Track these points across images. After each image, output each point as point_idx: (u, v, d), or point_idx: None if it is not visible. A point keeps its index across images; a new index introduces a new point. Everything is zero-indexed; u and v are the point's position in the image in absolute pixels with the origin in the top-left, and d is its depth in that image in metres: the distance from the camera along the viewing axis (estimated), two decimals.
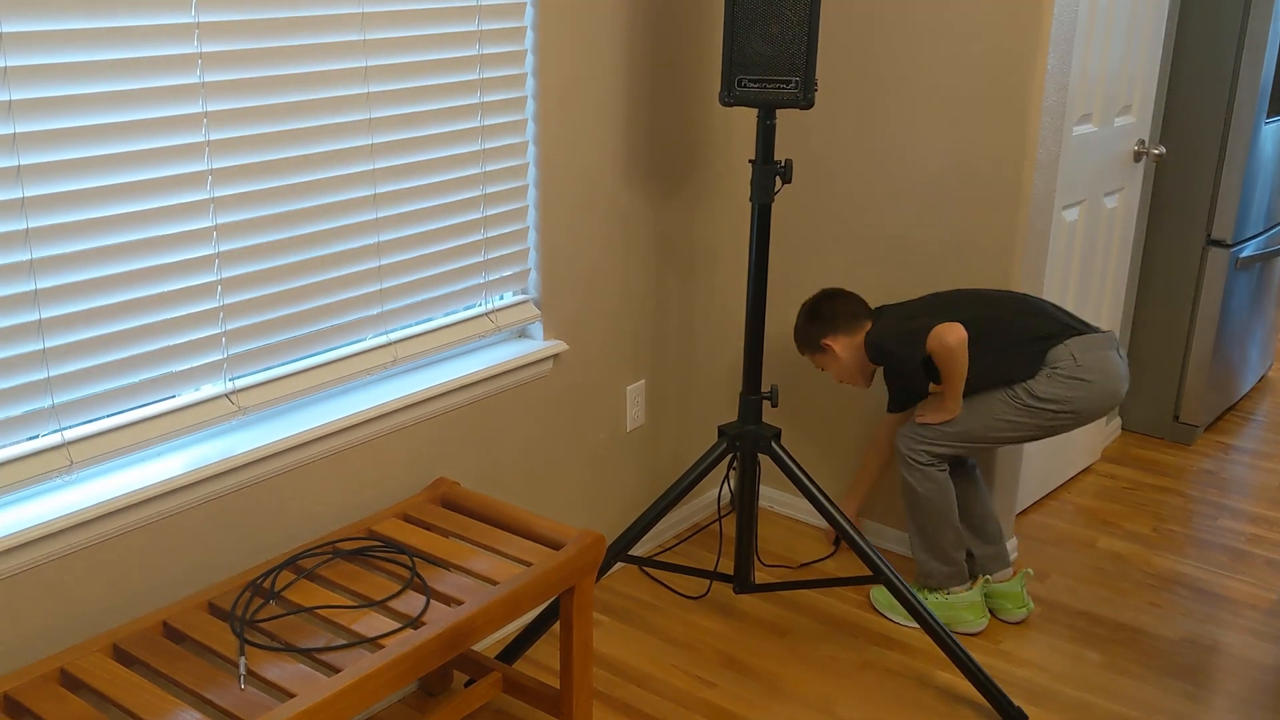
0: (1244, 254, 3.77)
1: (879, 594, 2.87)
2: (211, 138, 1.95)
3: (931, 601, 2.77)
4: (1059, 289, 3.18)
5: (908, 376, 2.75)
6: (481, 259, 2.51)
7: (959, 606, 2.74)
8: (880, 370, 2.82)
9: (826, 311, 2.74)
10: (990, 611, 2.83)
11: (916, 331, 2.57)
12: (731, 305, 3.22)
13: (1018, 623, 2.81)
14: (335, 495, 2.29)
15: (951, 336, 2.52)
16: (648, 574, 3.00)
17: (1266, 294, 4.17)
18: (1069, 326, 2.62)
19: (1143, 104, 3.34)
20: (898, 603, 2.75)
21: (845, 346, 2.72)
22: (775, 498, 3.36)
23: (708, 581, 2.95)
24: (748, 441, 2.61)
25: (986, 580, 2.80)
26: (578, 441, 2.84)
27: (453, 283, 2.46)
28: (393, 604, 1.98)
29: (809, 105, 2.30)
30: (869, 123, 2.91)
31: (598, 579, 2.76)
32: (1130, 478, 3.65)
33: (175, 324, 1.97)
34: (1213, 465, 3.76)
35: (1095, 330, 2.64)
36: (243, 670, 1.79)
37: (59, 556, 1.86)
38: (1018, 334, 2.60)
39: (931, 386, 2.75)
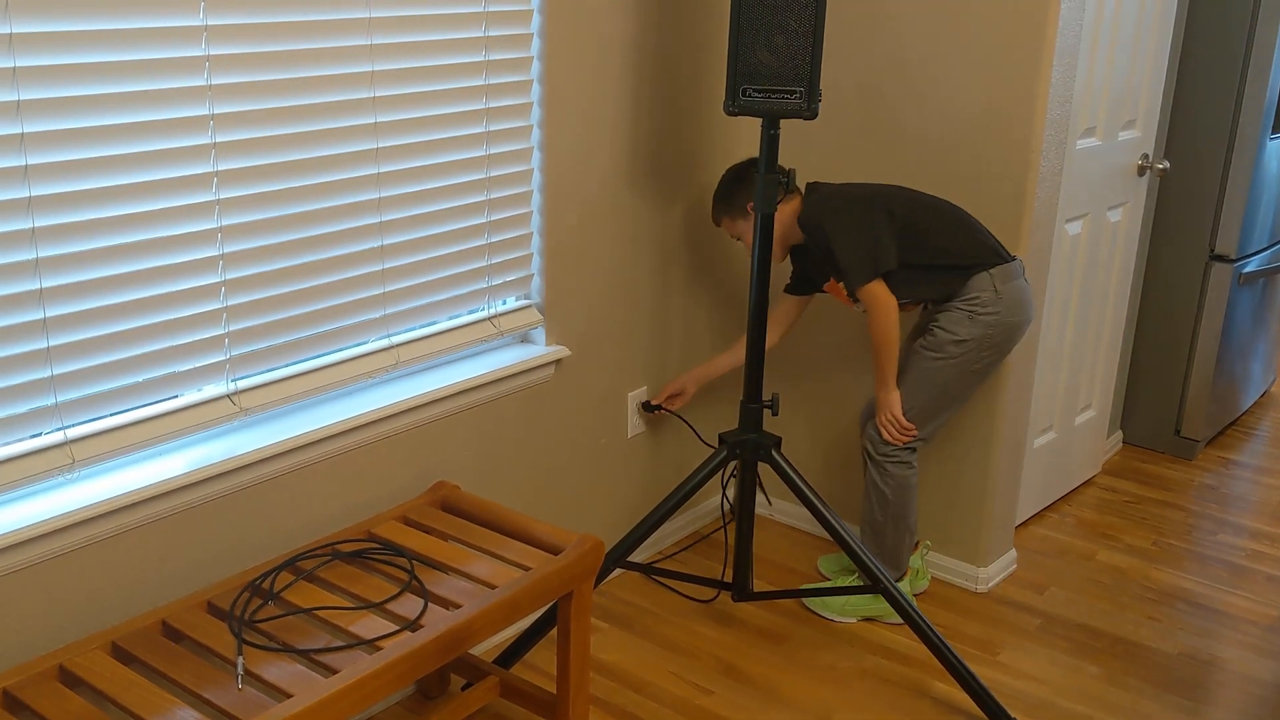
0: (1247, 269, 3.77)
1: (816, 602, 2.89)
2: (218, 140, 1.96)
3: (861, 601, 2.83)
4: (1061, 302, 3.18)
5: (819, 264, 2.71)
6: (485, 264, 2.52)
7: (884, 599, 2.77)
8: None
9: (753, 175, 2.63)
10: None
11: (879, 254, 2.55)
12: (734, 313, 3.22)
13: (916, 595, 2.92)
14: (335, 497, 2.29)
15: (891, 303, 2.55)
16: (656, 580, 3.00)
17: (1270, 309, 4.17)
18: (993, 251, 2.61)
19: (1147, 118, 3.35)
20: (831, 601, 2.85)
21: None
22: (774, 506, 3.36)
23: (711, 587, 2.96)
24: (748, 450, 2.62)
25: (927, 548, 2.92)
26: (578, 447, 2.84)
27: (456, 287, 2.47)
28: (391, 606, 1.99)
29: (813, 116, 2.31)
30: (871, 133, 2.92)
31: (596, 585, 2.76)
32: (1131, 491, 3.65)
33: (179, 324, 1.98)
34: (1214, 480, 3.76)
35: (1011, 257, 2.64)
36: (240, 670, 1.80)
37: (60, 554, 1.86)
38: (943, 253, 2.60)
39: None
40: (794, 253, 2.80)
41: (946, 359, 2.63)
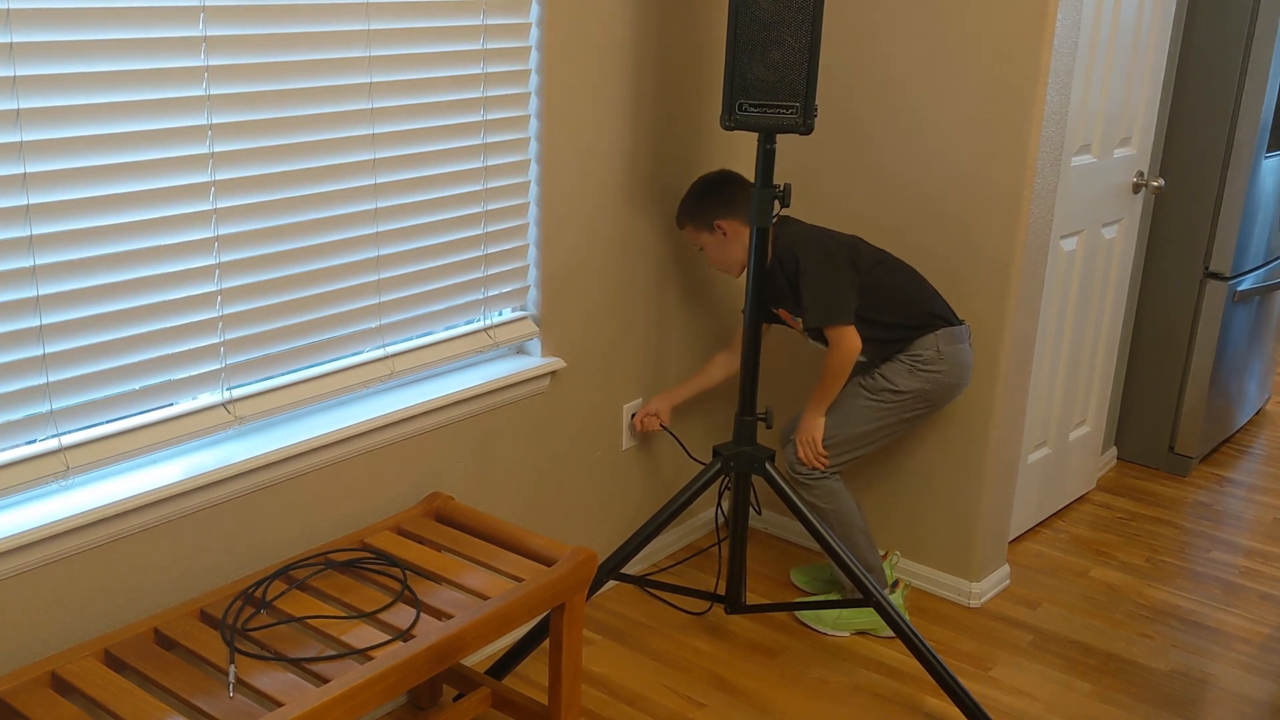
0: (1242, 287, 3.79)
1: (810, 616, 2.89)
2: (215, 149, 1.97)
3: (855, 615, 2.82)
4: (1055, 318, 3.19)
5: (776, 289, 2.68)
6: (481, 274, 2.52)
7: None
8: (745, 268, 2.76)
9: (729, 194, 2.67)
10: None
11: (843, 303, 2.60)
12: (729, 326, 3.23)
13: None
14: (329, 506, 2.30)
15: (857, 344, 2.60)
16: (649, 593, 3.00)
17: (1265, 327, 4.18)
18: (940, 317, 2.68)
19: (1143, 136, 3.37)
20: (824, 615, 2.86)
21: (737, 234, 2.66)
22: (768, 519, 3.36)
23: (704, 600, 2.96)
24: (742, 462, 2.62)
25: (896, 557, 2.97)
26: (573, 459, 2.85)
27: (452, 298, 2.48)
28: (383, 616, 1.99)
29: (809, 131, 2.32)
30: (867, 150, 2.93)
31: (589, 597, 2.76)
32: (1125, 508, 3.65)
33: (174, 333, 1.99)
34: (1207, 497, 3.76)
35: (959, 321, 2.72)
36: (232, 679, 1.80)
37: (53, 561, 1.87)
38: (895, 312, 2.66)
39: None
40: (756, 278, 2.78)
41: (880, 403, 2.69)
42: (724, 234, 2.68)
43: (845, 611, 2.84)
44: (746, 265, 2.72)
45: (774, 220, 2.68)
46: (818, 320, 2.62)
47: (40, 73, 1.73)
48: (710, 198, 2.71)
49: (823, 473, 2.74)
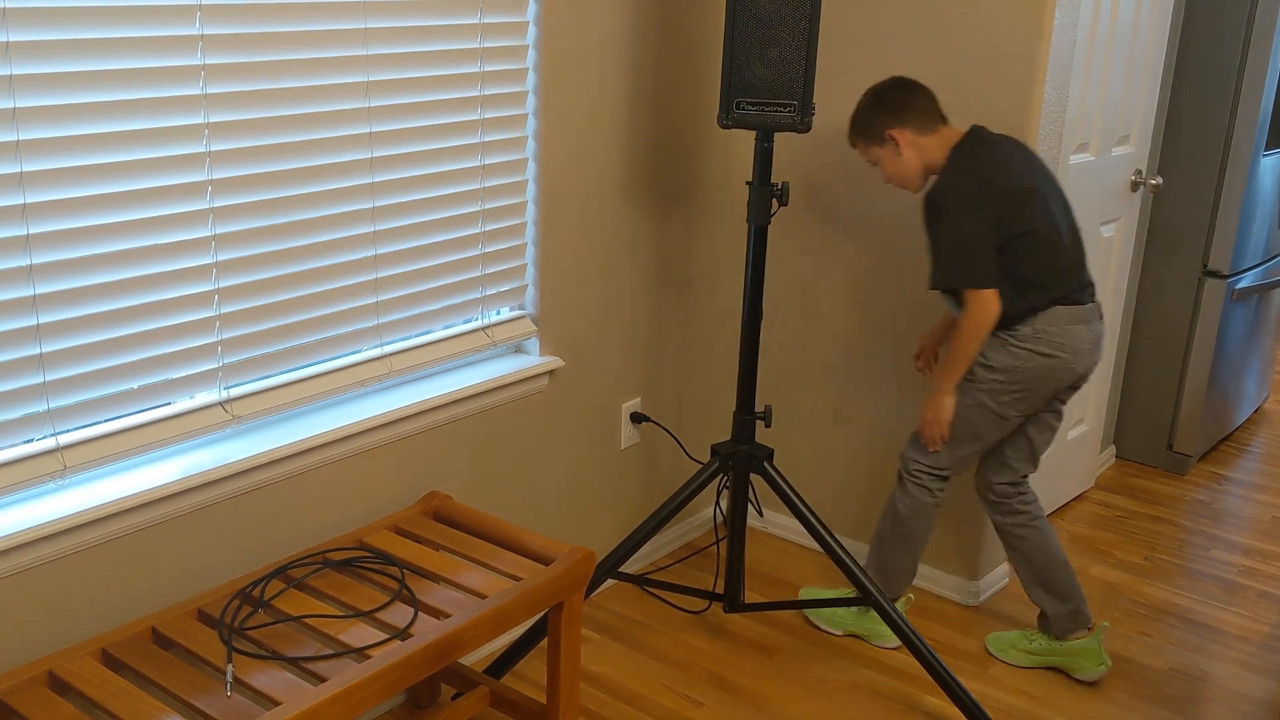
0: (1240, 285, 3.79)
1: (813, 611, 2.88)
2: (212, 149, 1.97)
3: (849, 616, 2.82)
4: None
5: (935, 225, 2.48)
6: (479, 274, 2.52)
7: (873, 620, 2.78)
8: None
9: (897, 100, 2.47)
10: (1063, 670, 2.72)
11: (973, 265, 2.40)
12: (728, 325, 3.23)
13: (1093, 682, 2.69)
14: (327, 506, 2.30)
15: (991, 313, 2.40)
16: (648, 591, 3.00)
17: (1263, 325, 4.18)
18: (1052, 300, 2.46)
19: (1141, 134, 3.37)
20: (824, 611, 2.84)
21: (911, 144, 2.47)
22: (769, 519, 3.36)
23: (703, 598, 2.96)
24: (740, 461, 2.62)
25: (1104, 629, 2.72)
26: (571, 458, 2.85)
27: (450, 297, 2.48)
28: (381, 615, 1.99)
29: (806, 129, 2.32)
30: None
31: (587, 596, 2.76)
32: (1123, 506, 3.65)
33: (171, 332, 1.99)
34: (1206, 496, 3.76)
35: (1076, 301, 2.48)
36: (230, 678, 1.80)
37: (50, 560, 1.87)
38: (1015, 285, 2.44)
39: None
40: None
41: (976, 384, 2.52)
42: (896, 144, 2.48)
43: (839, 611, 2.83)
44: (925, 178, 2.53)
45: (944, 122, 2.50)
46: (935, 279, 2.46)
47: (37, 71, 1.73)
48: (879, 107, 2.49)
49: (936, 475, 2.61)
